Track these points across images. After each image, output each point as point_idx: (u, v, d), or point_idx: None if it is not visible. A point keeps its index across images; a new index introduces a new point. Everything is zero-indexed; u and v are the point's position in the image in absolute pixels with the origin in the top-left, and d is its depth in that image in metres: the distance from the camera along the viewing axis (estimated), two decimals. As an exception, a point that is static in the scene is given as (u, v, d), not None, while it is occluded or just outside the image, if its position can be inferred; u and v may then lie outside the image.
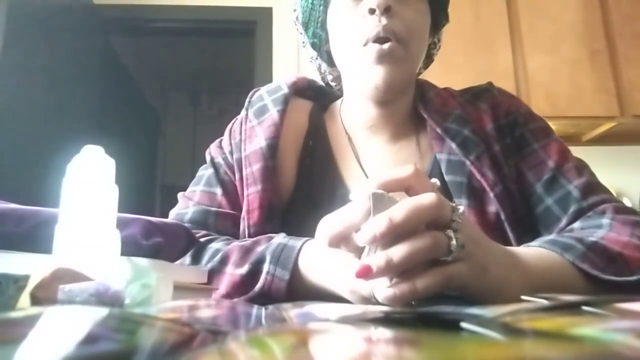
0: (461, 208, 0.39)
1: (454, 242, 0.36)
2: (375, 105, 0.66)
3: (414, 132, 0.69)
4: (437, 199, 0.37)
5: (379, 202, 0.37)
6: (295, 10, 0.71)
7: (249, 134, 0.67)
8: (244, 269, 0.52)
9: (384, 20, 0.58)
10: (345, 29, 0.61)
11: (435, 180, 0.41)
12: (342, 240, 0.42)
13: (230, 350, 0.18)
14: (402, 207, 0.35)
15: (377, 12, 0.58)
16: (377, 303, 0.38)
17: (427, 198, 0.36)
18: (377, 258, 0.35)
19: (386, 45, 0.58)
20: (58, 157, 0.57)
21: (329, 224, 0.41)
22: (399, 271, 0.36)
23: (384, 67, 0.59)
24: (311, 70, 0.77)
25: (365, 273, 0.35)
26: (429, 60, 0.74)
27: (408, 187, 0.40)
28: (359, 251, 0.39)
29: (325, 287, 0.45)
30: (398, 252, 0.35)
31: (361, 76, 0.61)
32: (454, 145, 0.62)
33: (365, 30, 0.59)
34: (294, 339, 0.21)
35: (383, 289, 0.36)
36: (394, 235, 0.35)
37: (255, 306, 0.35)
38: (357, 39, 0.60)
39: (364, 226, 0.36)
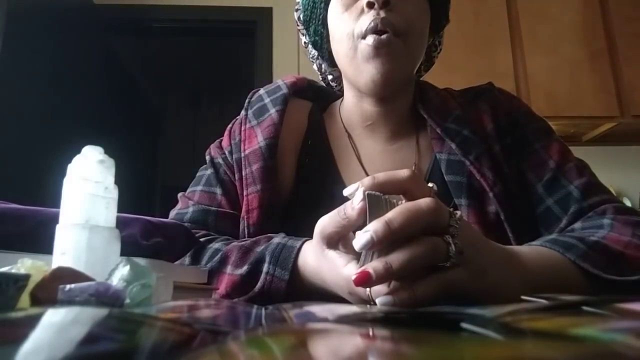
0: (459, 213, 0.39)
1: (452, 247, 0.36)
2: (374, 101, 0.66)
3: (414, 131, 0.69)
4: (436, 203, 0.36)
5: (376, 204, 0.37)
6: (297, 10, 0.71)
7: (249, 134, 0.67)
8: (244, 269, 0.52)
9: (382, 14, 0.58)
10: (343, 23, 0.61)
11: (432, 184, 0.41)
12: (339, 241, 0.42)
13: (230, 350, 0.18)
14: (401, 212, 0.35)
15: (376, 5, 0.58)
16: (376, 304, 0.38)
17: (426, 203, 0.36)
18: (375, 265, 0.35)
19: (384, 36, 0.57)
20: (58, 157, 0.57)
21: (326, 225, 0.40)
22: (397, 276, 0.36)
23: (381, 60, 0.58)
24: (312, 70, 0.77)
25: (364, 280, 0.35)
26: (429, 63, 0.74)
27: (405, 190, 0.40)
28: (356, 251, 0.39)
29: (324, 287, 0.45)
30: (397, 259, 0.35)
31: (358, 70, 0.61)
32: (453, 146, 0.62)
33: (363, 23, 0.59)
34: (293, 339, 0.21)
35: (382, 295, 0.36)
36: (392, 240, 0.35)
37: (255, 306, 0.35)
38: (355, 33, 0.60)
39: (361, 231, 0.36)
